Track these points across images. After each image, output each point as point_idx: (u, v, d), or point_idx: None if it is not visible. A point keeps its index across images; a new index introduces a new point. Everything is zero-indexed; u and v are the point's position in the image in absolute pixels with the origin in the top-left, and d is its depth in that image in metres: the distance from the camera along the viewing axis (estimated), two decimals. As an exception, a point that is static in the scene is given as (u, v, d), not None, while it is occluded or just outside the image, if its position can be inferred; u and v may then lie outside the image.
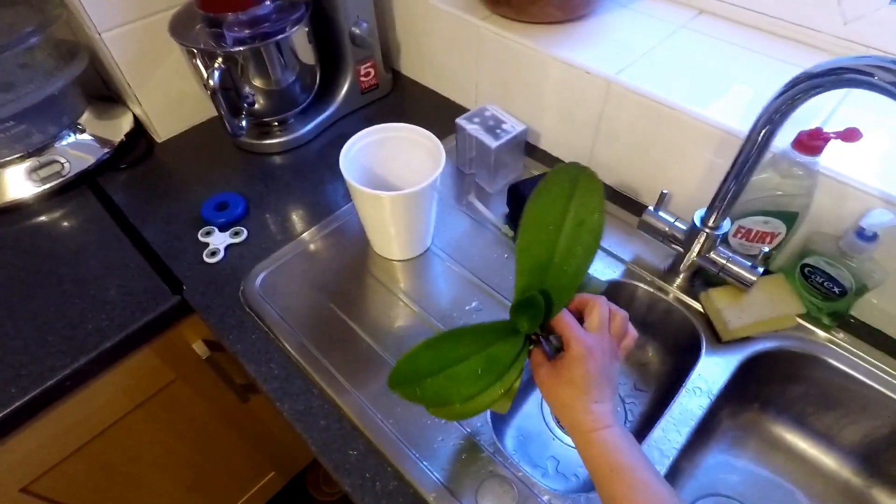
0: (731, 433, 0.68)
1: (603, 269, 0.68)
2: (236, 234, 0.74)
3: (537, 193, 0.44)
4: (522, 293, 0.44)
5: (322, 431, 0.56)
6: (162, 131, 0.89)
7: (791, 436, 0.67)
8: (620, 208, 0.75)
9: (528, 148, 0.82)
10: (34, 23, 0.72)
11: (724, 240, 0.61)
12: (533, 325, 0.43)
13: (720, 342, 0.61)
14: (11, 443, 0.62)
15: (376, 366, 0.60)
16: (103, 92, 0.91)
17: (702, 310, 0.64)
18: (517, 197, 0.71)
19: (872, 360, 0.58)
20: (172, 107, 0.88)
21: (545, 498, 0.50)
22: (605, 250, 0.70)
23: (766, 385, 0.65)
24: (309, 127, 0.88)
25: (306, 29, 0.78)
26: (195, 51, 0.73)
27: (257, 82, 0.78)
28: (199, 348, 0.74)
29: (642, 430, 0.65)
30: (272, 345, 0.63)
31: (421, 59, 0.96)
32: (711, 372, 0.59)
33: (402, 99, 0.97)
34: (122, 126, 0.87)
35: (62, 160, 0.79)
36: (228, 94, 0.77)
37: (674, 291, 0.66)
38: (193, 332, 0.73)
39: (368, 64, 0.89)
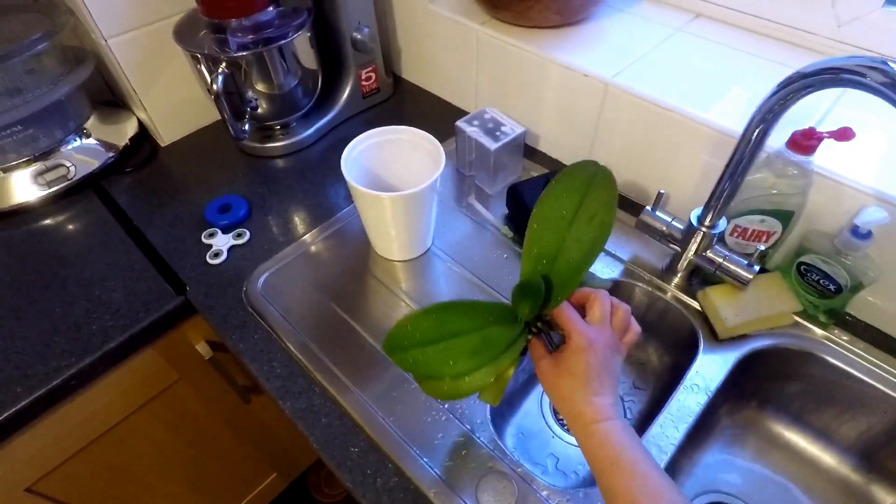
0: (729, 431, 0.69)
1: (602, 269, 0.69)
2: (239, 235, 0.74)
3: (553, 186, 0.45)
4: (526, 278, 0.44)
5: (324, 429, 0.56)
6: (166, 135, 0.90)
7: (789, 433, 0.68)
8: (619, 208, 0.75)
9: (527, 150, 0.82)
10: (42, 30, 0.73)
11: (721, 239, 0.62)
12: (532, 312, 0.44)
13: (717, 340, 0.61)
14: (16, 442, 0.63)
15: (377, 365, 0.61)
16: (108, 97, 0.93)
17: (699, 308, 0.64)
18: (516, 198, 0.72)
19: (869, 357, 0.59)
20: (176, 111, 0.89)
21: (544, 493, 0.51)
22: (604, 250, 0.71)
23: (764, 382, 0.66)
24: (311, 130, 0.89)
25: (308, 34, 0.79)
26: (199, 56, 0.74)
27: (260, 87, 0.79)
28: (203, 349, 0.75)
29: (641, 427, 0.65)
30: (274, 344, 0.63)
31: (421, 63, 0.97)
32: (709, 369, 0.59)
33: (403, 102, 0.98)
34: (126, 130, 0.88)
35: (68, 164, 0.81)
36: (232, 98, 0.78)
37: (672, 290, 0.67)
38: (197, 333, 0.74)
39: (370, 68, 0.91)
